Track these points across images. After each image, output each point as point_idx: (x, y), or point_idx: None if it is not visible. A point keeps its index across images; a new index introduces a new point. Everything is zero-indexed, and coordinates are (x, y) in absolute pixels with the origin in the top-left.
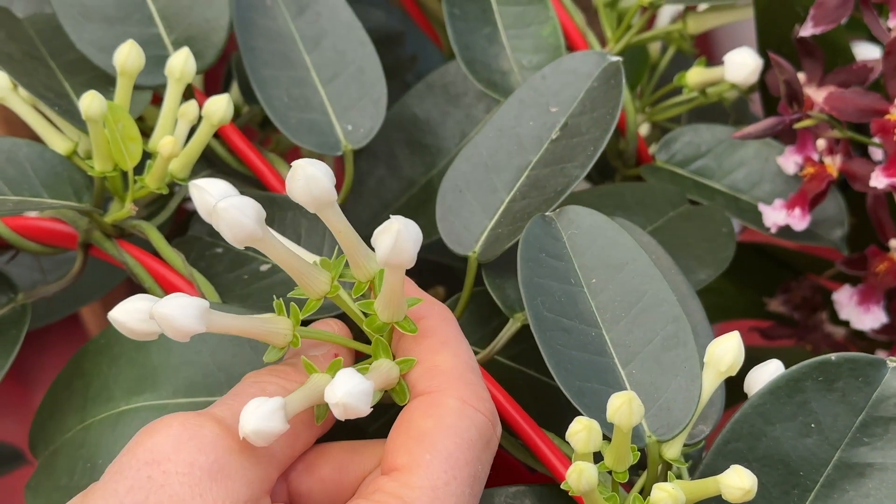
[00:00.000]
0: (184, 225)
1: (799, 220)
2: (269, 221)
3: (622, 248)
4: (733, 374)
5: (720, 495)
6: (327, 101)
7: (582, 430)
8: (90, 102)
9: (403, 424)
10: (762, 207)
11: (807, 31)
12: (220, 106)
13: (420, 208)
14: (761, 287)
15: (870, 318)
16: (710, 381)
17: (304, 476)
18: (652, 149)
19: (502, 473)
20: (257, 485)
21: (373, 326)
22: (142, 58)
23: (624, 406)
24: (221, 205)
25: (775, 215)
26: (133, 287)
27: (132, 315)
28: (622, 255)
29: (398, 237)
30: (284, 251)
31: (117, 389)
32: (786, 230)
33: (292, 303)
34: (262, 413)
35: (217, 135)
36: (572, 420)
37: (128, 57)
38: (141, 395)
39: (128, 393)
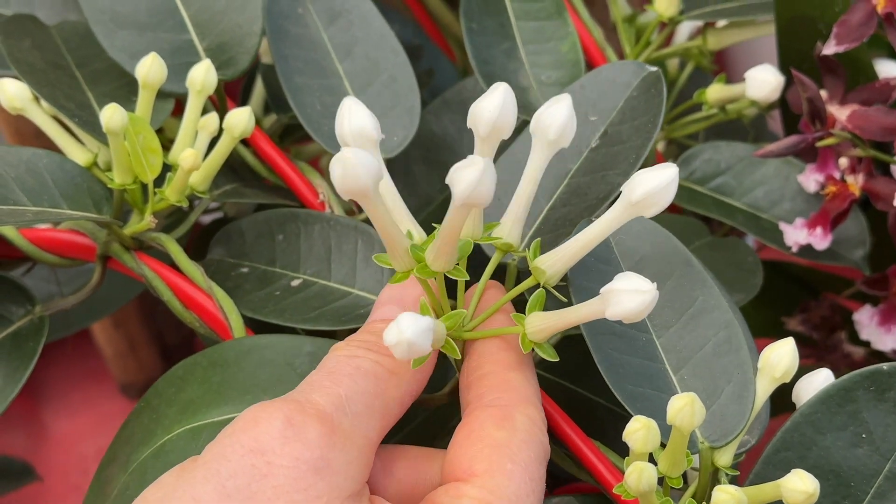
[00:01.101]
0: (200, 239)
1: (820, 240)
2: (296, 235)
3: (672, 253)
4: (787, 380)
5: (775, 501)
6: None
7: (641, 429)
8: (111, 115)
9: (475, 433)
10: (783, 226)
11: (830, 49)
12: (241, 119)
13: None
14: (779, 306)
15: (891, 339)
16: (764, 388)
17: (381, 475)
18: None
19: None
20: (359, 477)
21: (424, 272)
22: (164, 70)
23: (686, 407)
24: (344, 153)
25: (797, 234)
26: (146, 302)
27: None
28: (672, 260)
29: (484, 174)
30: (386, 216)
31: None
32: (807, 249)
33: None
34: (420, 328)
35: (246, 143)
36: (609, 431)
37: (150, 69)
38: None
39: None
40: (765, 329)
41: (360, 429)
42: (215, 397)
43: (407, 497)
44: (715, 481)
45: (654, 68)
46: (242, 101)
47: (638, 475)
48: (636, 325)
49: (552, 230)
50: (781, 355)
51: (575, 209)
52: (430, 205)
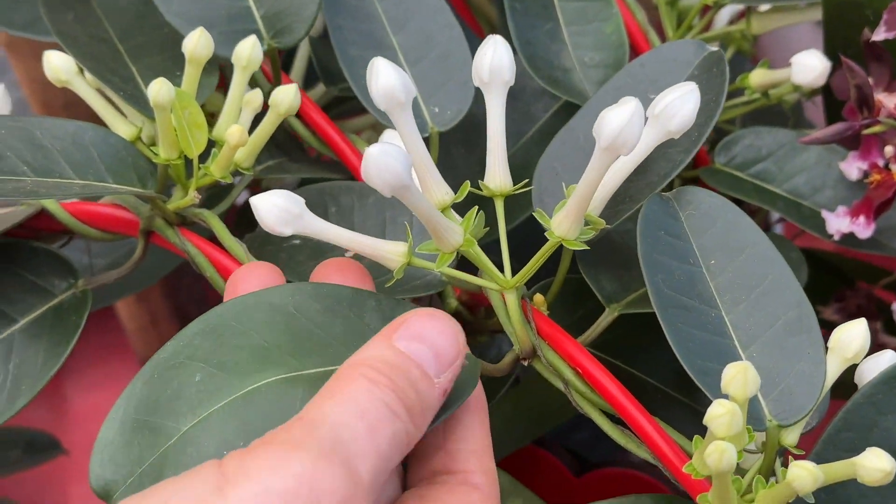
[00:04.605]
0: (238, 216)
1: (863, 228)
2: (350, 208)
3: (742, 230)
4: (857, 361)
5: (843, 480)
6: (414, 82)
7: (725, 414)
8: (159, 89)
9: None
10: (826, 214)
11: (879, 35)
12: (287, 96)
13: (481, 205)
14: (812, 295)
15: None
16: (835, 368)
17: None
18: None
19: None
20: None
21: (554, 238)
22: (211, 45)
23: (739, 375)
24: (373, 149)
25: (839, 222)
26: (169, 276)
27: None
28: (742, 237)
29: (633, 117)
30: (426, 203)
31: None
32: (849, 238)
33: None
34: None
35: (297, 114)
36: (659, 410)
37: (197, 44)
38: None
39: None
40: None
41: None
42: (297, 348)
43: None
44: (775, 461)
45: (715, 48)
46: (286, 72)
47: (719, 455)
48: (706, 299)
49: (612, 206)
50: (853, 336)
51: (635, 185)
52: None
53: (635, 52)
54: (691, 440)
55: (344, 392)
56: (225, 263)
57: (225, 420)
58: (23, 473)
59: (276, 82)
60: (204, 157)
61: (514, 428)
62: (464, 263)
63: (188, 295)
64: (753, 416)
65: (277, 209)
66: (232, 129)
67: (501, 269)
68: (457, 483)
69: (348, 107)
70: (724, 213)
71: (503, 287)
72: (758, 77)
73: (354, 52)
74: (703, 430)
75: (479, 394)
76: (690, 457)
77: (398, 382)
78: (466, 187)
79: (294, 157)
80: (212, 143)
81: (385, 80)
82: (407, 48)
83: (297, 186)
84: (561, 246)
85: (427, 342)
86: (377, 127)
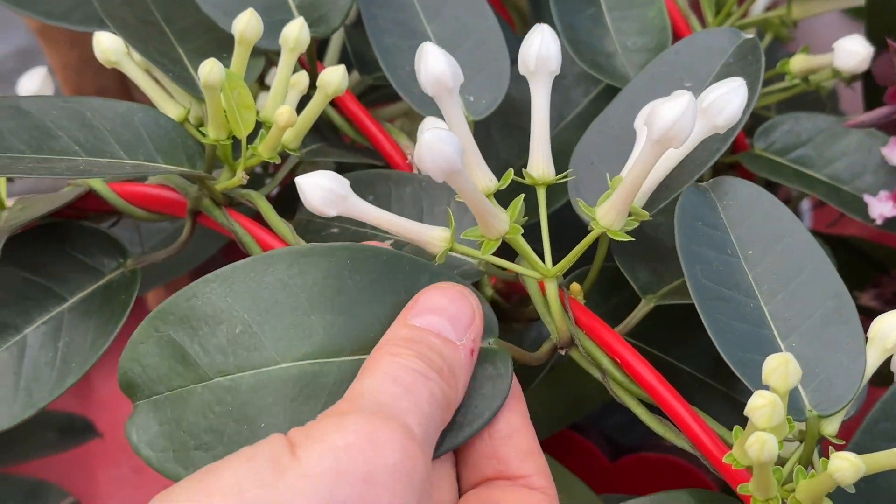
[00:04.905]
0: (277, 201)
1: None
2: (387, 196)
3: (779, 220)
4: None
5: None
6: None
7: (766, 406)
8: (210, 70)
9: None
10: (868, 199)
11: None
12: (335, 77)
13: (516, 191)
14: (845, 282)
15: None
16: (875, 358)
17: None
18: None
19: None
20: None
21: (598, 228)
22: (260, 26)
23: (780, 367)
24: (428, 135)
25: (881, 207)
26: (204, 267)
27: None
28: (779, 227)
29: (686, 110)
30: (474, 189)
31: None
32: (892, 222)
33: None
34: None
35: (332, 103)
36: (695, 399)
37: (247, 25)
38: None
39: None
40: None
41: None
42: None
43: None
44: (813, 451)
45: (750, 35)
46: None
47: (760, 445)
48: (744, 290)
49: (651, 193)
50: (893, 326)
51: (673, 174)
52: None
53: (676, 36)
54: (728, 428)
55: (374, 369)
56: (271, 244)
57: (258, 389)
58: (52, 458)
59: (312, 70)
60: (251, 139)
61: (549, 413)
62: (499, 251)
63: None
64: (793, 406)
65: (322, 190)
66: (281, 109)
67: (539, 257)
68: (517, 487)
69: (381, 94)
70: (761, 202)
71: (544, 276)
72: (798, 62)
73: (389, 41)
74: (739, 418)
75: (516, 391)
76: (728, 446)
77: (421, 351)
78: (510, 175)
79: (332, 142)
80: (258, 126)
81: (434, 66)
82: (441, 37)
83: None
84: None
85: (440, 312)
86: (410, 115)
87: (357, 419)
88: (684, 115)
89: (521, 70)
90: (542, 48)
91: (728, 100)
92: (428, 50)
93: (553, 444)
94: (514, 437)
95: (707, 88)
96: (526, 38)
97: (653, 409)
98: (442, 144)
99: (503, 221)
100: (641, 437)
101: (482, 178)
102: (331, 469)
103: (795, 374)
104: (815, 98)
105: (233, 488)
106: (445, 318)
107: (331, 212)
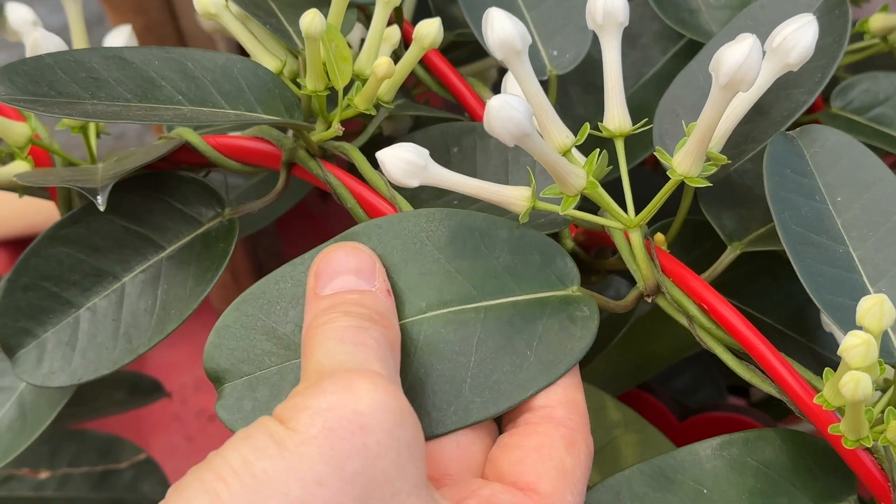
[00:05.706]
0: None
1: None
2: (472, 148)
3: (868, 168)
4: None
5: None
6: (532, 25)
7: (861, 345)
8: (312, 20)
9: (545, 449)
10: None
11: None
12: (431, 29)
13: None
14: None
15: None
16: None
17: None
18: None
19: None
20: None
21: (676, 176)
22: None
23: (875, 307)
24: (495, 102)
25: None
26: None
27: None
28: (868, 175)
29: (751, 52)
30: (548, 149)
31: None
32: None
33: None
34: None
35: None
36: (780, 348)
37: None
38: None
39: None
40: None
41: None
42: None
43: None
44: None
45: None
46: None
47: (855, 384)
48: (833, 236)
49: (734, 146)
50: None
51: (758, 126)
52: None
53: None
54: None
55: (316, 343)
56: (366, 196)
57: None
58: (105, 420)
59: (399, 24)
60: (345, 91)
61: (620, 373)
62: (582, 203)
63: (267, 253)
64: (884, 349)
65: (403, 162)
66: (380, 60)
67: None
68: (538, 422)
69: (463, 52)
70: (849, 150)
71: (627, 226)
72: (878, 21)
73: None
74: (819, 370)
75: None
76: (816, 390)
77: (347, 310)
78: (586, 129)
79: (412, 98)
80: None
81: (501, 30)
82: None
83: (411, 129)
84: (681, 186)
85: (343, 271)
86: (481, 76)
87: (330, 380)
88: (749, 58)
89: (590, 25)
90: (608, 1)
91: (799, 36)
92: (494, 15)
93: (624, 403)
94: None
95: (776, 27)
96: None
97: (738, 356)
98: (510, 110)
99: (580, 177)
100: (705, 400)
101: (558, 136)
102: (324, 428)
103: (890, 315)
104: (887, 62)
105: (241, 465)
106: (351, 273)
107: (413, 183)
